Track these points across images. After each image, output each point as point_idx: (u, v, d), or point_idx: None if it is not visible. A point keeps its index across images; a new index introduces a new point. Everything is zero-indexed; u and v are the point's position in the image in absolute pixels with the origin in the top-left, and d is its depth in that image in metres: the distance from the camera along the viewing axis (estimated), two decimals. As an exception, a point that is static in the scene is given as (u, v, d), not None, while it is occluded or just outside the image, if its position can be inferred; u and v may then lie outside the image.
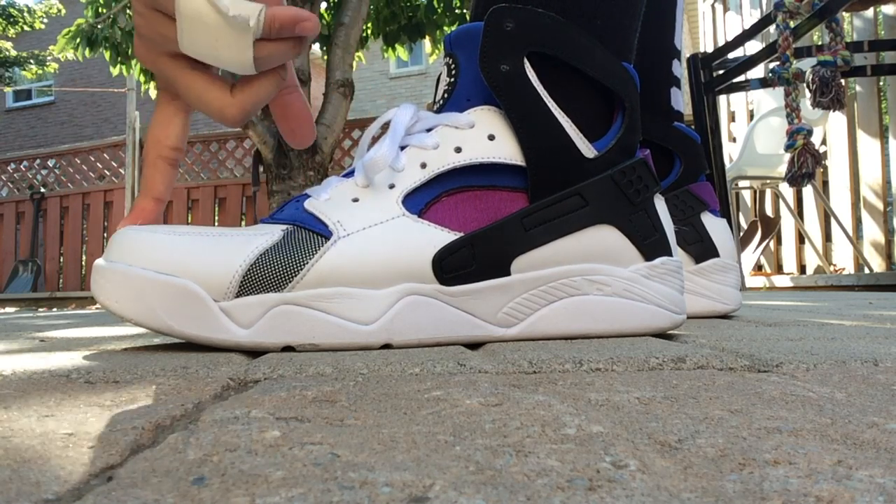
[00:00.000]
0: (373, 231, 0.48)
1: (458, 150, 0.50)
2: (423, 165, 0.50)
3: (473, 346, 0.50)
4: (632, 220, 0.52)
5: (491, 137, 0.50)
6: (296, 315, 0.46)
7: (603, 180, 0.51)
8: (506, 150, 0.50)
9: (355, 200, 0.49)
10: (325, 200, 0.50)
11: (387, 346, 0.47)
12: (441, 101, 0.53)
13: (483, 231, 0.49)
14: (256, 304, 0.45)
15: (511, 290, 0.50)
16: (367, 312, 0.47)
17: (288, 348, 0.46)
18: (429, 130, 0.51)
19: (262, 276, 0.46)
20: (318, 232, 0.48)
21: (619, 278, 0.52)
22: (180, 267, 0.45)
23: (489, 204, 0.50)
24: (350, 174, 0.52)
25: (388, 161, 0.49)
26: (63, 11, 8.71)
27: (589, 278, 0.51)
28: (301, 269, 0.46)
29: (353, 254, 0.47)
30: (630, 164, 0.52)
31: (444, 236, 0.49)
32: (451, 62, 0.53)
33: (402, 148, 0.51)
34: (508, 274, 0.50)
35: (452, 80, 0.53)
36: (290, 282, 0.46)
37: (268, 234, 0.47)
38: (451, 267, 0.48)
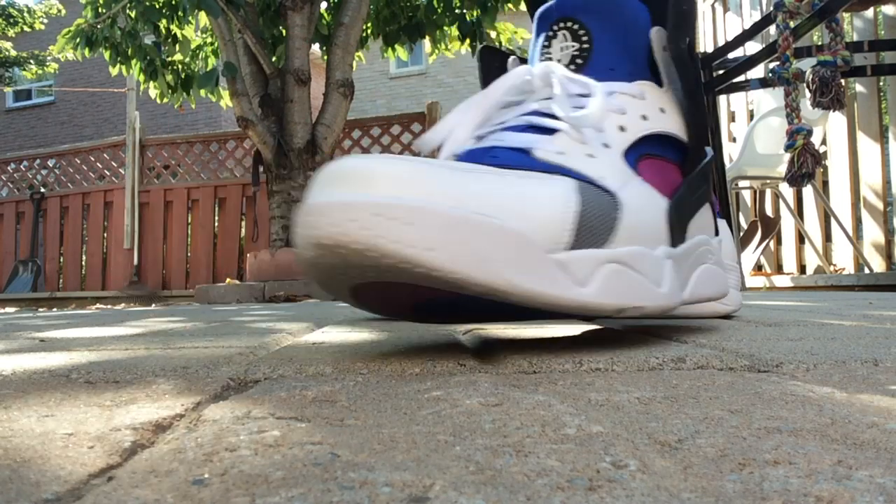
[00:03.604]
0: (631, 191, 0.46)
1: (644, 118, 0.50)
2: (622, 129, 0.48)
3: (473, 346, 0.50)
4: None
5: (662, 111, 0.51)
6: (623, 275, 0.41)
7: (709, 161, 0.55)
8: (674, 124, 0.52)
9: (591, 156, 0.45)
10: (563, 155, 0.44)
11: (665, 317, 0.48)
12: (570, 65, 0.52)
13: (679, 197, 0.50)
14: (589, 259, 0.40)
15: (688, 256, 0.52)
16: (659, 274, 0.44)
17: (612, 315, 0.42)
18: (583, 96, 0.48)
19: (588, 228, 0.41)
20: (602, 187, 0.44)
21: (716, 248, 0.56)
22: (506, 209, 0.37)
23: (666, 174, 0.51)
24: (515, 129, 0.47)
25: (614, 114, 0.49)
26: (63, 11, 8.71)
27: (706, 248, 0.55)
28: (614, 224, 0.42)
29: (637, 212, 0.44)
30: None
31: (664, 201, 0.49)
32: (576, 27, 0.52)
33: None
34: (684, 241, 0.51)
35: (587, 46, 0.52)
36: (608, 237, 0.42)
37: (562, 181, 0.42)
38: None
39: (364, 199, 0.34)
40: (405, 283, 0.36)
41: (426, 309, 0.43)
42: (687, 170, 0.53)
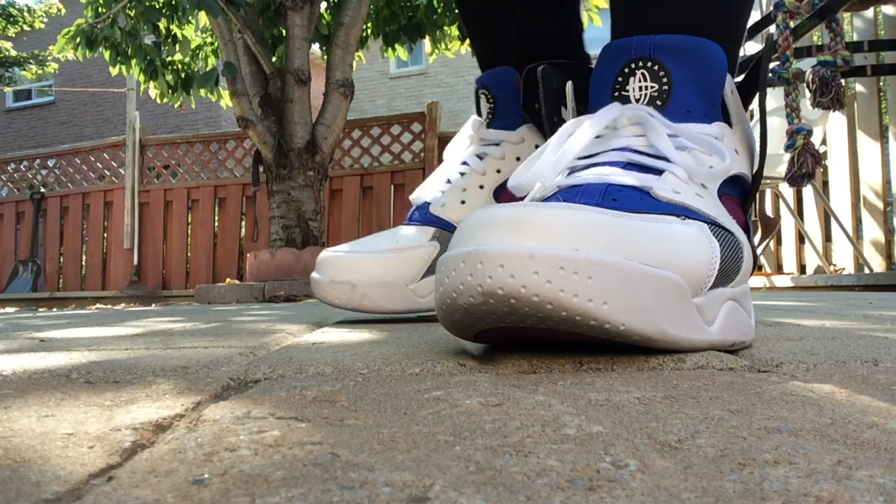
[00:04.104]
0: (737, 230, 0.48)
1: (724, 158, 0.50)
2: (711, 168, 0.50)
3: (473, 346, 0.50)
4: None
5: (736, 152, 0.53)
6: (735, 311, 0.45)
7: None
8: (744, 164, 0.53)
9: (700, 196, 0.47)
10: (679, 194, 0.46)
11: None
12: (648, 105, 0.53)
13: (746, 235, 0.51)
14: (717, 298, 0.43)
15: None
16: (751, 309, 0.48)
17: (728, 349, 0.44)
18: (671, 136, 0.51)
19: (724, 271, 0.43)
20: (723, 227, 0.46)
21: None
22: (666, 259, 0.38)
23: (736, 211, 0.52)
24: (615, 164, 0.48)
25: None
26: (63, 11, 8.71)
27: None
28: (740, 265, 0.46)
29: (746, 251, 0.48)
30: None
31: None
32: (655, 67, 0.53)
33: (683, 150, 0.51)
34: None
35: (666, 87, 0.53)
36: (734, 277, 0.45)
37: (698, 226, 0.44)
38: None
39: (547, 251, 0.34)
40: (552, 328, 0.36)
41: (540, 344, 0.45)
42: (746, 206, 0.54)
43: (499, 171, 0.71)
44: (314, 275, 0.79)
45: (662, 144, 0.48)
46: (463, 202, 0.72)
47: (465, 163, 0.75)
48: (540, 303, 0.34)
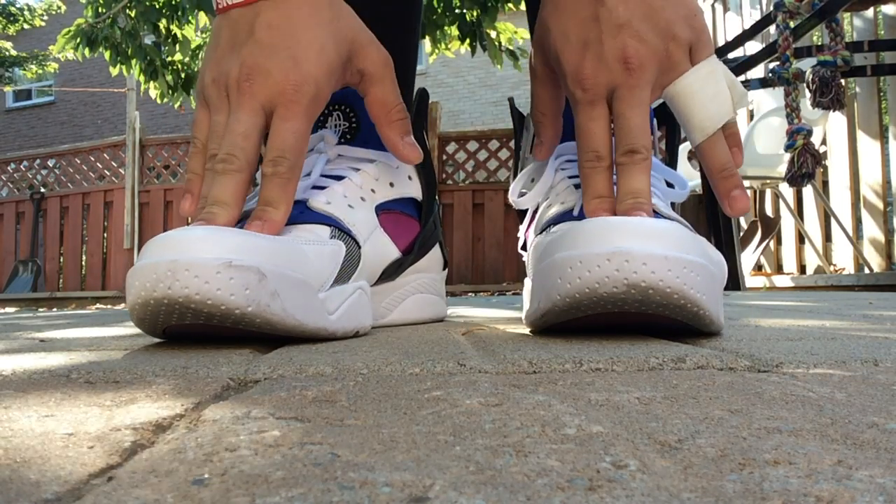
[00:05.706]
0: None
1: (684, 187, 0.68)
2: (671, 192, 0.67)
3: (473, 346, 0.50)
4: None
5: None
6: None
7: None
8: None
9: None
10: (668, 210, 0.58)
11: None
12: None
13: None
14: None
15: None
16: None
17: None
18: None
19: None
20: None
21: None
22: (714, 258, 0.51)
23: None
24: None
25: None
26: (63, 9, 8.71)
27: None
28: None
29: None
30: None
31: None
32: None
33: None
34: None
35: None
36: None
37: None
38: None
39: (674, 253, 0.44)
40: (640, 313, 0.46)
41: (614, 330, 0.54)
42: None
43: (374, 191, 0.63)
44: (176, 256, 0.43)
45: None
46: (350, 206, 0.60)
47: (334, 176, 0.62)
48: (670, 293, 0.43)
